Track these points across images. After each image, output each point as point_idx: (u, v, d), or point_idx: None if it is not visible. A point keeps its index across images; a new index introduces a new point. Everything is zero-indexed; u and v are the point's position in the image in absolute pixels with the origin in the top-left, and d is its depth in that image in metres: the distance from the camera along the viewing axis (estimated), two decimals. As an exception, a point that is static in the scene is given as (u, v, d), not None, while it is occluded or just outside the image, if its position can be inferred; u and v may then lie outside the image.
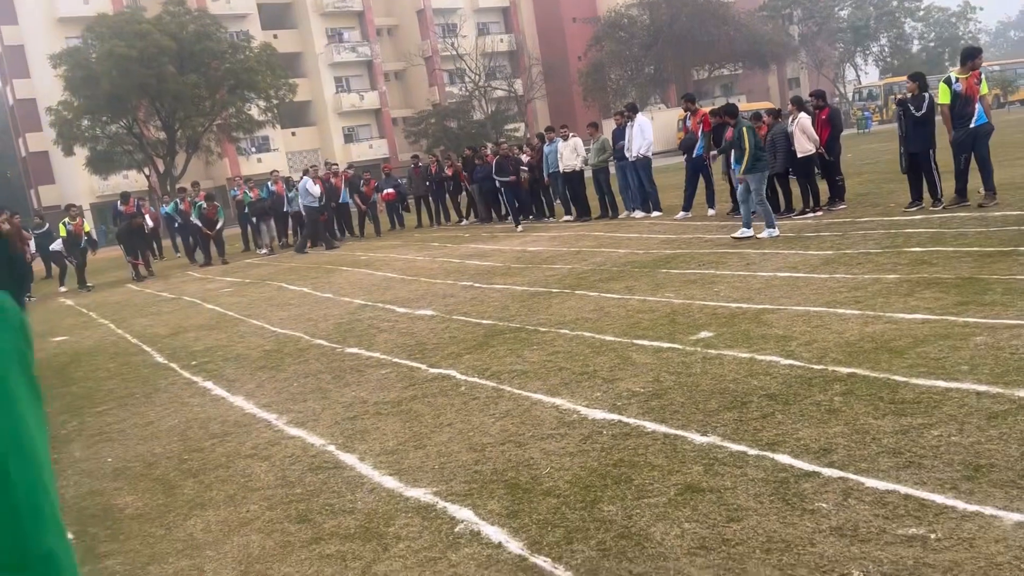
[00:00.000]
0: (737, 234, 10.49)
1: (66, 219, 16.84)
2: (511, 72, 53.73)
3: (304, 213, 17.98)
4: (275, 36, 46.70)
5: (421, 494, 3.80)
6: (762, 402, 4.35)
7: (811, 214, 11.58)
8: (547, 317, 7.30)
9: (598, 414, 4.54)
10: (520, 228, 15.79)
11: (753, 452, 3.73)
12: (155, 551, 3.63)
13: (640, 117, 14.60)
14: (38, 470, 0.44)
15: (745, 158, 10.07)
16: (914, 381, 4.34)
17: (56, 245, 17.95)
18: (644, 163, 14.49)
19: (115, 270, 20.19)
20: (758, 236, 10.27)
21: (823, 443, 3.71)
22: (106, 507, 4.23)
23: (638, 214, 14.84)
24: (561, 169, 15.74)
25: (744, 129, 10.16)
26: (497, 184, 16.61)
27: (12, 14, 45.16)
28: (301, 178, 18.23)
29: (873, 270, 7.32)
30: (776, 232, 10.24)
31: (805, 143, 11.42)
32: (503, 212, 18.42)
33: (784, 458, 3.62)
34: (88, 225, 17.79)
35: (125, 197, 18.10)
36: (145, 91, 32.49)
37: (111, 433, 5.69)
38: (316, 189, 17.62)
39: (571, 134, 16.05)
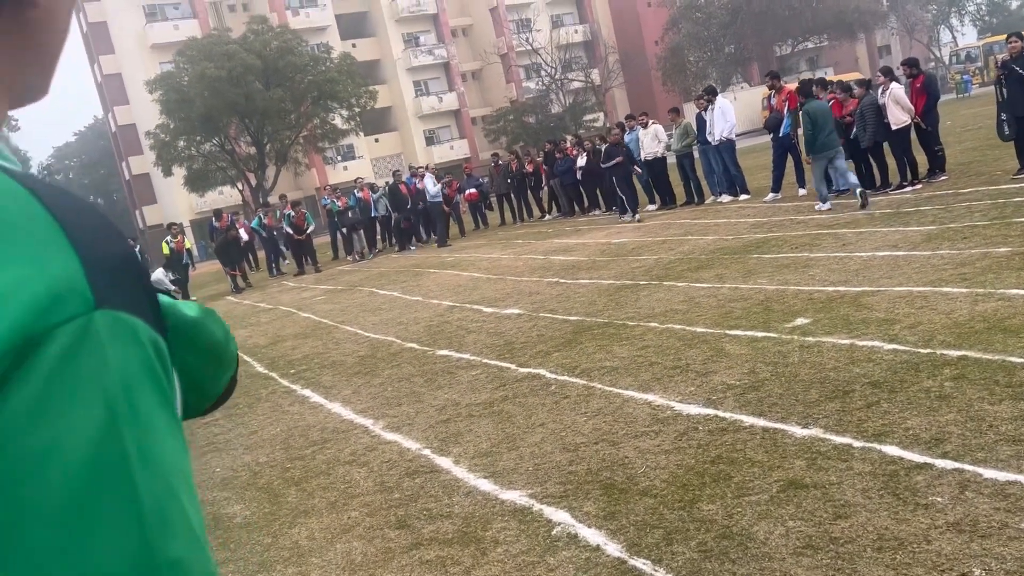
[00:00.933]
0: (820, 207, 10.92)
1: (168, 237, 17.66)
2: (587, 62, 53.35)
3: (431, 209, 18.52)
4: (354, 45, 47.78)
5: (517, 496, 3.81)
6: (866, 391, 4.17)
7: (909, 188, 11.06)
8: (635, 311, 7.21)
9: (693, 409, 4.45)
10: (637, 217, 14.66)
11: (859, 444, 3.58)
12: (264, 559, 3.76)
13: (720, 100, 14.28)
14: (169, 483, 0.46)
15: (801, 141, 10.56)
16: (1033, 362, 4.08)
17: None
18: (728, 146, 14.17)
19: (215, 283, 21.07)
20: (815, 208, 10.90)
21: (934, 432, 3.53)
22: (216, 516, 4.40)
23: (725, 198, 14.50)
24: (643, 157, 15.52)
25: (799, 114, 10.74)
26: (606, 171, 16.33)
27: (109, 44, 47.71)
28: (419, 176, 19.03)
29: (981, 244, 6.93)
30: (826, 205, 10.84)
31: (899, 114, 10.91)
32: (585, 204, 18.33)
33: (892, 450, 3.46)
34: (189, 242, 18.63)
35: (218, 214, 18.92)
36: (235, 109, 33.76)
37: (218, 443, 5.92)
38: (437, 186, 18.25)
39: (651, 121, 15.83)
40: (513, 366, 6.18)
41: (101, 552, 0.43)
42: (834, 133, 10.64)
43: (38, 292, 0.45)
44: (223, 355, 0.89)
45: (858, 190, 10.37)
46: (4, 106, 0.56)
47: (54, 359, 0.44)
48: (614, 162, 14.94)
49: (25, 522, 0.42)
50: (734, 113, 14.34)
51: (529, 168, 19.63)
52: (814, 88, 11.14)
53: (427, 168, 19.98)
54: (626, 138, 16.16)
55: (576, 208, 18.68)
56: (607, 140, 17.22)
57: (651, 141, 15.39)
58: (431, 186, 18.23)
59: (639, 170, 15.20)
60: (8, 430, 0.42)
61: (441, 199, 18.36)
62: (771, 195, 13.29)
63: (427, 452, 4.68)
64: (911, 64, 11.56)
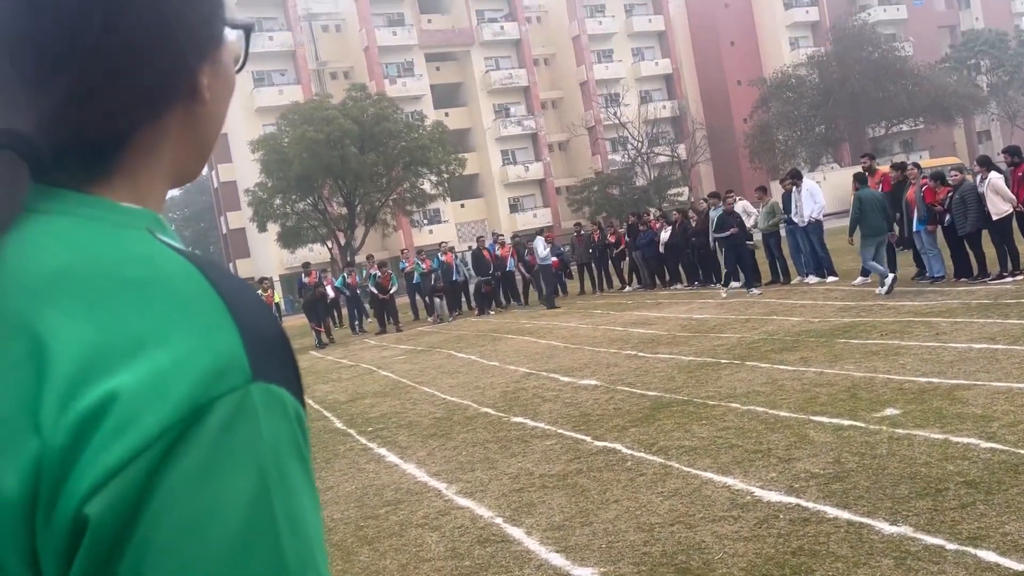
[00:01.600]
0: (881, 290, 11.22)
1: (259, 291, 18.37)
2: (674, 137, 53.70)
3: (541, 271, 18.95)
4: (446, 114, 49.41)
5: (588, 574, 3.75)
6: (960, 490, 3.98)
7: (1010, 278, 10.63)
8: (716, 390, 7.09)
9: (774, 496, 4.32)
10: (758, 291, 13.87)
11: (952, 547, 3.41)
12: (333, 616, 3.78)
13: (808, 181, 14.14)
14: (310, 547, 0.49)
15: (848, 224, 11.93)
16: None
17: None
18: (815, 227, 13.97)
19: (300, 337, 21.67)
20: (877, 292, 11.30)
21: (1036, 540, 3.33)
22: (290, 569, 4.46)
23: (812, 279, 14.21)
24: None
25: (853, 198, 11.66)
26: (713, 242, 16.28)
27: (219, 107, 50.57)
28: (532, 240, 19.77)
29: (1088, 342, 6.59)
30: (887, 284, 11.13)
31: (1000, 203, 10.58)
32: (667, 278, 18.24)
33: (989, 555, 3.28)
34: (278, 295, 19.32)
35: (307, 268, 19.59)
36: (330, 171, 35.18)
37: (295, 496, 6.02)
38: (547, 249, 18.80)
39: (738, 198, 15.75)
40: (588, 438, 6.13)
41: None
42: (883, 220, 11.59)
43: (208, 365, 0.49)
44: None
45: (889, 276, 11.16)
46: (165, 191, 0.63)
47: (217, 428, 0.48)
48: (728, 232, 14.22)
49: None
50: (822, 194, 14.16)
51: (611, 239, 19.72)
52: (866, 175, 12.45)
53: (540, 233, 20.45)
54: (712, 214, 16.11)
55: (657, 281, 18.61)
56: (695, 213, 17.21)
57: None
58: (541, 249, 18.69)
59: (751, 243, 14.64)
60: (175, 492, 0.46)
61: (550, 262, 18.73)
62: (860, 279, 12.95)
63: (499, 520, 4.67)
64: (1013, 152, 11.25)
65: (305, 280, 19.21)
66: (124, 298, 0.50)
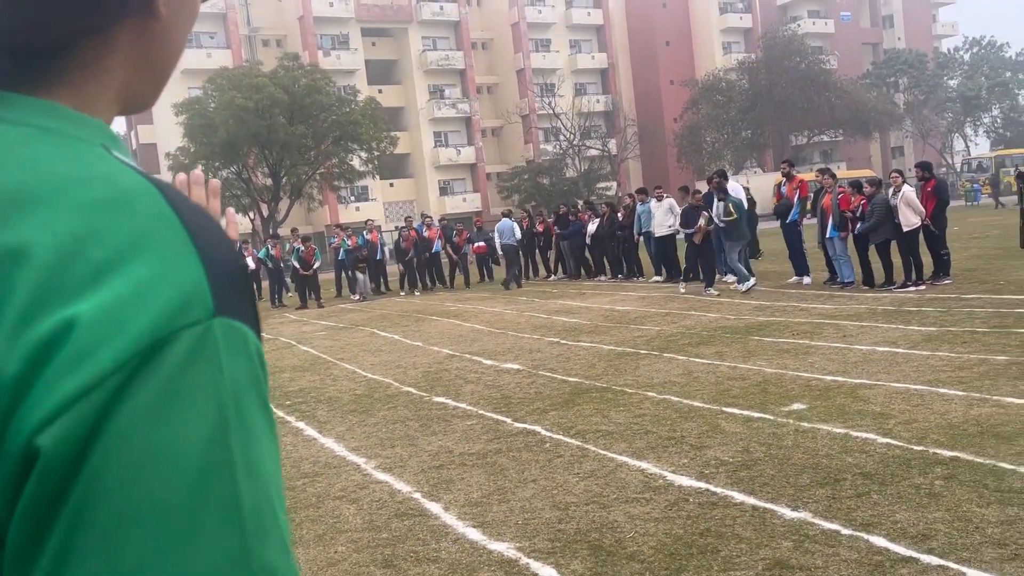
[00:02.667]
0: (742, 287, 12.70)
1: None
2: (606, 132, 54.33)
3: (504, 252, 19.02)
4: (380, 91, 48.70)
5: (504, 548, 3.83)
6: (857, 480, 4.23)
7: (913, 288, 11.21)
8: (634, 378, 7.28)
9: (685, 480, 4.49)
10: (681, 288, 13.55)
11: (847, 532, 3.62)
12: (247, 583, 3.77)
13: (731, 183, 14.50)
14: (267, 492, 0.47)
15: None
16: (1022, 470, 4.14)
17: None
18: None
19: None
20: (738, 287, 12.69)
21: (922, 528, 3.58)
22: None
23: (730, 279, 14.63)
24: (654, 231, 15.78)
25: (729, 204, 12.63)
26: (638, 236, 16.55)
27: (142, 65, 48.62)
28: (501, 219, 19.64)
29: (979, 350, 7.03)
30: (747, 285, 12.74)
31: (911, 216, 11.13)
32: (592, 269, 18.51)
33: (879, 540, 3.50)
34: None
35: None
36: (256, 140, 34.28)
37: (209, 465, 5.93)
38: (518, 230, 18.94)
39: (665, 195, 16.12)
40: (509, 420, 6.23)
41: (202, 553, 0.44)
42: (749, 227, 12.95)
43: (171, 295, 0.46)
44: None
45: (751, 280, 12.84)
46: (113, 113, 0.58)
47: (177, 362, 0.45)
48: (695, 230, 13.25)
49: (134, 517, 0.43)
50: (745, 197, 14.56)
51: (540, 228, 19.88)
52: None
53: (509, 214, 20.43)
54: (639, 209, 16.45)
55: (582, 272, 18.87)
56: (622, 208, 17.48)
57: (664, 215, 15.66)
58: (517, 232, 18.83)
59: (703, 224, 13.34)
60: (129, 426, 0.44)
61: (515, 243, 18.81)
62: (799, 278, 13.33)
63: (418, 496, 4.71)
64: (924, 167, 11.84)
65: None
66: (85, 221, 0.47)
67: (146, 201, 0.49)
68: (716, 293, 12.98)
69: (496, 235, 18.90)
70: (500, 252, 19.41)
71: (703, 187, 17.19)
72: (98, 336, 0.44)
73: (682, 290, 13.70)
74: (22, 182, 0.48)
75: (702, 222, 13.16)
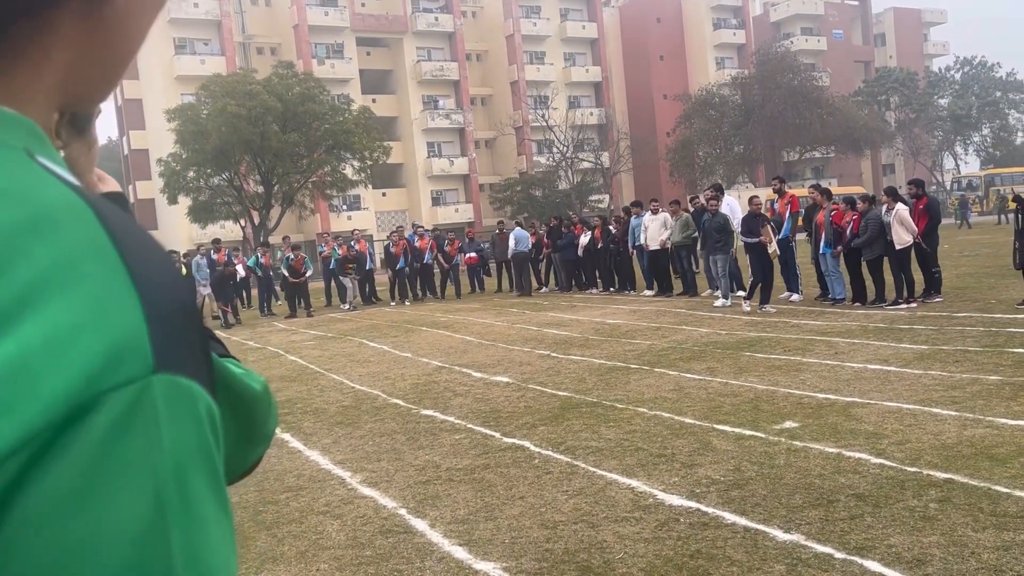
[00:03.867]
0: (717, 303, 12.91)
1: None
2: (599, 145, 54.46)
3: (515, 259, 19.06)
4: (374, 100, 48.72)
5: (491, 568, 3.74)
6: (850, 502, 4.16)
7: (904, 305, 11.19)
8: (625, 393, 7.21)
9: (675, 500, 4.42)
10: (746, 306, 12.19)
11: (840, 555, 3.55)
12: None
13: (728, 197, 14.51)
14: None
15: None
16: (1018, 493, 4.08)
17: None
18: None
19: (205, 318, 20.98)
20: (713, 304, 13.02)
21: (917, 552, 3.51)
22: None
23: (739, 293, 14.61)
24: (648, 244, 15.74)
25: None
26: (632, 249, 16.41)
27: (134, 69, 48.50)
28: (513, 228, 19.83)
29: (972, 369, 6.99)
30: (727, 303, 12.92)
31: (903, 234, 11.13)
32: (583, 282, 18.46)
33: (874, 565, 3.43)
34: (185, 270, 18.63)
35: (217, 244, 19.01)
36: (249, 147, 34.18)
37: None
38: (529, 238, 19.13)
39: (661, 209, 16.08)
40: (497, 434, 6.14)
41: None
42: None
43: (96, 349, 0.37)
44: (262, 431, 0.81)
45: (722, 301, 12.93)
46: (51, 109, 0.50)
47: (103, 432, 0.37)
48: (758, 239, 11.92)
49: None
50: (740, 211, 14.54)
51: (532, 239, 19.82)
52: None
53: (517, 224, 20.79)
54: (632, 222, 16.41)
55: (574, 284, 18.82)
56: (615, 221, 17.45)
57: (657, 229, 15.62)
58: (525, 240, 18.98)
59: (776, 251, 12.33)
60: (43, 514, 0.35)
61: (527, 250, 18.96)
62: (791, 295, 13.30)
63: (403, 512, 4.62)
64: (916, 185, 11.84)
65: (214, 257, 18.63)
66: None
67: (73, 222, 0.40)
68: (773, 311, 11.92)
69: (512, 242, 18.98)
70: (508, 258, 19.54)
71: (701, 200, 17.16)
72: None
73: (747, 308, 12.08)
74: None
75: (767, 235, 11.96)
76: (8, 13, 0.45)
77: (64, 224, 0.40)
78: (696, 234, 15.12)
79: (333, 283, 20.65)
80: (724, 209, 14.27)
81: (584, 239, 17.96)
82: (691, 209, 15.74)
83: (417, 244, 19.88)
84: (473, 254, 20.85)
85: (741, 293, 13.56)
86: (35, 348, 0.36)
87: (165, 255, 0.44)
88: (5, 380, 0.35)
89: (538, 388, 7.79)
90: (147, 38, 0.53)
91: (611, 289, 17.50)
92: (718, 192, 14.60)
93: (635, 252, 16.62)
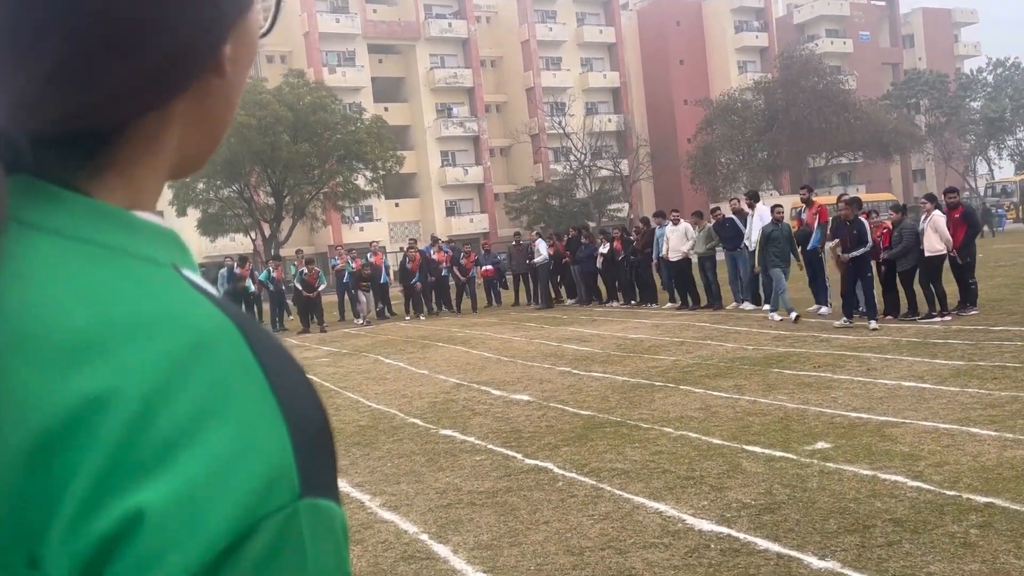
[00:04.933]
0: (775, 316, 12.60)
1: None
2: (617, 152, 54.57)
3: (540, 272, 19.28)
4: (386, 109, 49.11)
5: (516, 596, 3.76)
6: (887, 527, 4.14)
7: (939, 319, 11.11)
8: (649, 412, 7.21)
9: (705, 524, 4.42)
10: (872, 324, 11.03)
11: (878, 584, 3.54)
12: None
13: (761, 205, 14.43)
14: None
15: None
16: (1063, 518, 4.05)
17: None
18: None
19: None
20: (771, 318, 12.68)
21: (958, 581, 3.49)
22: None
23: (747, 306, 14.59)
24: (669, 255, 15.73)
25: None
26: (656, 261, 16.32)
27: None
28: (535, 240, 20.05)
29: (1011, 386, 6.94)
30: (776, 316, 12.61)
31: (936, 242, 11.06)
32: (604, 295, 18.45)
33: (913, 594, 3.42)
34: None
35: (243, 260, 19.29)
36: (259, 158, 34.50)
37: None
38: (546, 249, 19.27)
39: (681, 219, 16.10)
40: (519, 456, 6.16)
41: None
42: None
43: (253, 480, 0.40)
44: None
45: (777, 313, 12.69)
46: (162, 185, 0.52)
47: (256, 559, 0.40)
48: (863, 251, 10.99)
49: None
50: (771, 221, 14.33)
51: (550, 251, 19.83)
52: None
53: (538, 234, 20.99)
54: (657, 232, 16.37)
55: (594, 297, 18.83)
56: (635, 232, 17.43)
57: (679, 239, 15.61)
58: (544, 249, 19.09)
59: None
60: None
61: (549, 261, 19.08)
62: (820, 308, 13.21)
63: (425, 537, 4.64)
64: (953, 193, 11.77)
65: (238, 271, 18.95)
66: (158, 376, 0.41)
67: (227, 346, 0.43)
68: (848, 324, 11.34)
69: (536, 253, 19.17)
70: (534, 268, 19.70)
71: (725, 208, 17.07)
72: (166, 537, 0.38)
73: (873, 326, 10.99)
74: (85, 324, 0.41)
75: (835, 246, 11.47)
76: (139, 108, 0.47)
77: (218, 349, 0.43)
78: (719, 245, 15.13)
79: (346, 297, 20.77)
80: (756, 218, 14.20)
81: (603, 249, 17.97)
82: (713, 220, 15.68)
83: (434, 256, 19.96)
84: (489, 266, 20.92)
85: (766, 307, 13.52)
86: (199, 482, 0.39)
87: (301, 371, 0.46)
88: (175, 513, 0.38)
89: (560, 407, 7.80)
90: None
91: (632, 302, 17.49)
92: (753, 200, 14.54)
93: (658, 264, 16.56)
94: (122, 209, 0.48)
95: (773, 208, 13.03)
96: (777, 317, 12.65)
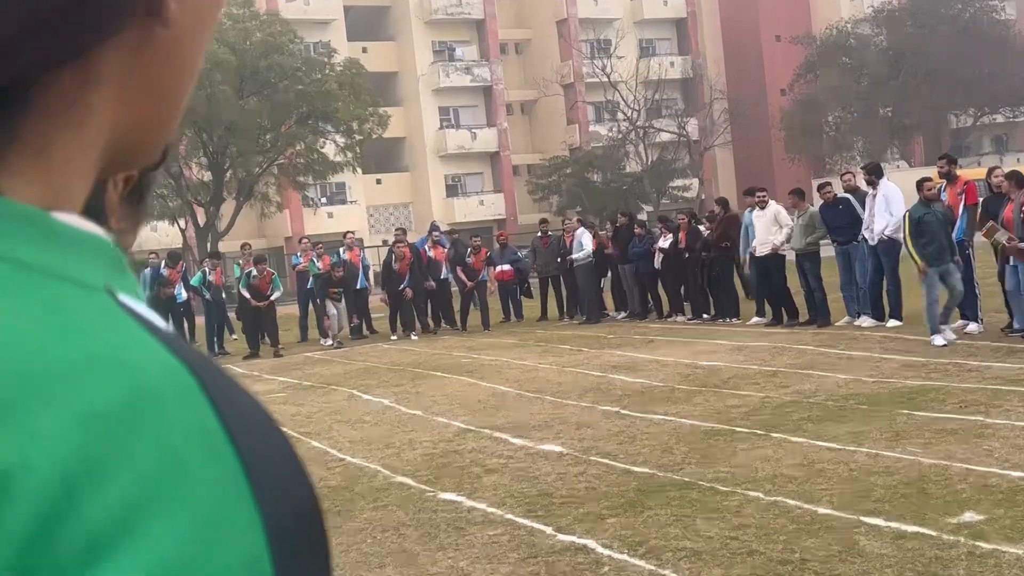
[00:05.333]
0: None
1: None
2: (684, 109, 54.50)
3: (579, 272, 19.31)
4: (364, 50, 49.36)
5: None
6: (1065, 633, 4.10)
7: None
8: (729, 470, 7.19)
9: (809, 628, 4.39)
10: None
11: None
12: None
13: (887, 183, 14.30)
14: None
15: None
16: None
17: None
18: (888, 248, 14.01)
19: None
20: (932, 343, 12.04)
21: None
22: None
23: (866, 322, 14.52)
24: (755, 249, 15.64)
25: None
26: (748, 259, 16.29)
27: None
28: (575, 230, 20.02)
29: None
30: (941, 341, 11.92)
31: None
32: (664, 305, 18.42)
33: None
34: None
35: (174, 258, 19.42)
36: (191, 118, 34.78)
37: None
38: (590, 243, 19.20)
39: (769, 200, 15.97)
40: (549, 529, 6.17)
41: None
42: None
43: None
44: None
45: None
46: (92, 179, 0.51)
47: None
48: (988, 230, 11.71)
49: None
50: (902, 202, 14.09)
51: (592, 245, 19.82)
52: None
53: (581, 223, 20.97)
54: (745, 219, 16.28)
55: (651, 308, 18.81)
56: (707, 220, 17.39)
57: (768, 228, 15.53)
58: (587, 242, 19.05)
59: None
60: None
61: (592, 259, 19.13)
62: (967, 324, 13.11)
63: (418, 642, 4.65)
64: None
65: (166, 272, 19.17)
66: (82, 447, 0.39)
67: (179, 403, 0.42)
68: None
69: (577, 247, 19.24)
70: (569, 268, 19.78)
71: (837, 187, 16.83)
72: None
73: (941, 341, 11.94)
74: None
75: (992, 231, 11.73)
76: (49, 60, 0.45)
77: (167, 407, 0.42)
78: (826, 237, 15.03)
79: (311, 308, 20.87)
80: (880, 200, 14.07)
81: (664, 243, 17.95)
82: (821, 201, 15.59)
83: (432, 254, 20.01)
84: (507, 266, 20.93)
85: (893, 323, 13.44)
86: None
87: (281, 435, 0.46)
88: None
89: (604, 461, 7.79)
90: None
91: (705, 316, 17.45)
92: (874, 174, 14.39)
93: (746, 262, 16.48)
94: (35, 209, 0.46)
95: (921, 183, 12.75)
96: (940, 341, 12.05)
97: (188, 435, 0.41)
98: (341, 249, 20.69)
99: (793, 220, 15.52)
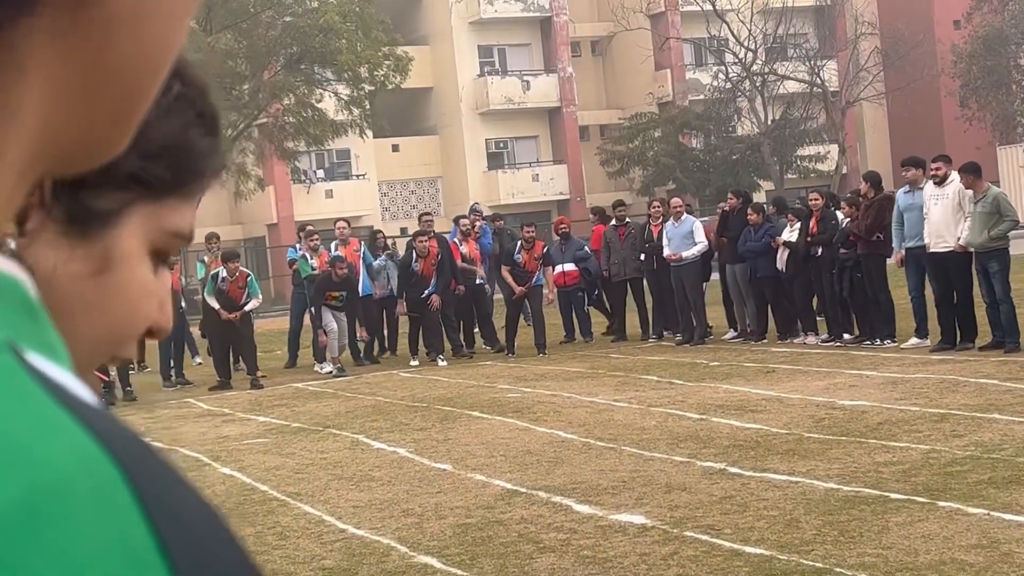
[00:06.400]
0: None
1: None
2: (817, 48, 54.11)
3: (682, 275, 19.41)
4: (376, -30, 49.63)
5: None
6: None
7: None
8: (878, 552, 7.16)
9: None
10: None
11: None
12: None
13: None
14: None
15: None
16: None
17: None
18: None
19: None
20: None
21: None
22: None
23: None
24: (930, 243, 15.45)
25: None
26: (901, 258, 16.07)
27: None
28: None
29: None
30: None
31: None
32: (798, 326, 18.35)
33: None
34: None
35: None
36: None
37: None
38: (703, 234, 19.44)
39: (951, 173, 15.67)
40: (627, 632, 6.16)
41: None
42: None
43: None
44: None
45: None
46: (27, 182, 0.54)
47: None
48: None
49: None
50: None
51: (705, 238, 19.80)
52: None
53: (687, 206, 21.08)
54: (900, 201, 16.04)
55: (770, 325, 18.75)
56: (847, 204, 17.29)
57: (948, 214, 15.30)
58: (699, 233, 19.30)
59: None
60: None
61: (698, 257, 19.31)
62: None
63: None
64: None
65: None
66: None
67: (94, 505, 0.43)
68: None
69: (678, 240, 19.33)
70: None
71: (1011, 157, 16.75)
72: None
73: None
74: None
75: None
76: None
77: (78, 508, 0.42)
78: (1017, 228, 14.88)
79: (306, 322, 20.96)
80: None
81: (790, 234, 17.86)
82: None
83: (464, 249, 20.04)
84: (570, 266, 20.93)
85: None
86: None
87: (234, 540, 0.48)
88: None
89: (705, 538, 7.78)
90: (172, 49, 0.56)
91: (846, 336, 17.35)
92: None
93: (900, 261, 16.37)
94: None
95: None
96: None
97: (104, 548, 0.42)
98: (333, 244, 20.67)
99: (971, 206, 15.30)
